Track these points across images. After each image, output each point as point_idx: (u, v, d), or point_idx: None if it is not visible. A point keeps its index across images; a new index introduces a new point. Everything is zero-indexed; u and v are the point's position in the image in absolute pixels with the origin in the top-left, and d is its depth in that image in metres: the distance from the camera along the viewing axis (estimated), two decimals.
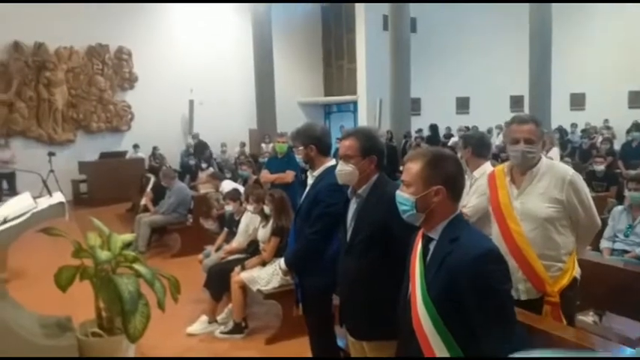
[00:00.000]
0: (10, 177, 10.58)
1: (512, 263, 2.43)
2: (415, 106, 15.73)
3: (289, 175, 5.83)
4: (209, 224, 7.78)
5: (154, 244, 7.40)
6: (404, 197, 1.85)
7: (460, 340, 1.73)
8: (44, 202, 2.99)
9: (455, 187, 1.84)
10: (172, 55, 14.08)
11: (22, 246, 5.49)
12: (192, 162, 11.74)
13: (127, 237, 3.49)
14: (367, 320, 2.29)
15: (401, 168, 2.96)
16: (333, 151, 3.26)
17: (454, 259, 1.72)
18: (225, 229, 5.42)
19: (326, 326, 2.96)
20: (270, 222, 4.40)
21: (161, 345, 3.91)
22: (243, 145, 14.01)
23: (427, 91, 15.94)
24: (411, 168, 1.85)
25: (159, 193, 7.76)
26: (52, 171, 10.09)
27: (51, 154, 10.67)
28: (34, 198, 3.35)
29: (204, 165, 11.02)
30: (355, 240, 2.34)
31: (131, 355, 3.40)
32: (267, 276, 4.14)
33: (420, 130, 14.24)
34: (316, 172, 2.93)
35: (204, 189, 9.57)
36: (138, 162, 12.29)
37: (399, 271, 2.01)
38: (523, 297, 2.54)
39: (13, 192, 10.43)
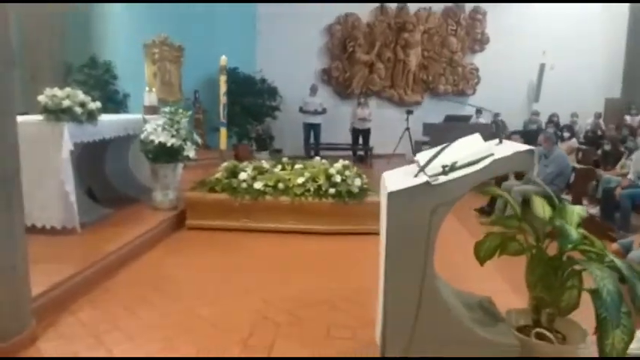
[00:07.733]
0: (366, 133, 11.28)
1: None
2: None
3: None
4: (589, 207, 6.37)
5: None
6: None
7: None
8: (500, 149, 2.26)
9: None
10: (528, 15, 12.66)
11: None
12: (552, 129, 9.99)
13: (579, 209, 2.54)
14: None
15: None
16: None
17: None
18: None
19: None
20: None
21: None
22: (598, 115, 11.86)
23: None
24: None
25: None
26: (407, 129, 10.20)
27: (409, 112, 10.85)
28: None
29: (566, 134, 9.31)
30: None
31: None
32: None
33: None
34: None
35: None
36: (481, 128, 11.49)
37: None
38: None
39: (366, 147, 11.12)
